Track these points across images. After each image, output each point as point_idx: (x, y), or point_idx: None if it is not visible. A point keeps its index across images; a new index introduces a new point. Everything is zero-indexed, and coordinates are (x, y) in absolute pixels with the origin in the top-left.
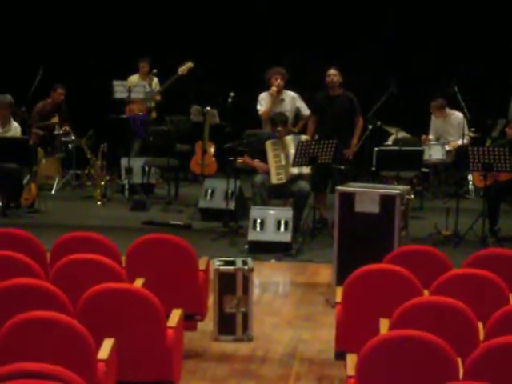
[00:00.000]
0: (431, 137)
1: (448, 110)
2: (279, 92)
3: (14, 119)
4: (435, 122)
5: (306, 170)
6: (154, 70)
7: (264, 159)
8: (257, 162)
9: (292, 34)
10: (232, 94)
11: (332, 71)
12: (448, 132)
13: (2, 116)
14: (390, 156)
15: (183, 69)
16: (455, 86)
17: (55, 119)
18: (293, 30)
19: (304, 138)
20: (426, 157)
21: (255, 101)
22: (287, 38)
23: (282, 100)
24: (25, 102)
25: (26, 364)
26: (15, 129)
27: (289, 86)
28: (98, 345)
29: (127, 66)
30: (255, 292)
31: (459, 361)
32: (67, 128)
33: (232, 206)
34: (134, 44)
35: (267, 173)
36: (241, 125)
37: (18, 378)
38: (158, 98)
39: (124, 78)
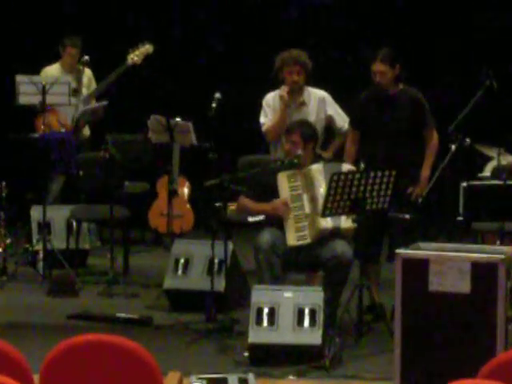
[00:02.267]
0: None
1: None
2: (298, 92)
3: None
4: None
5: (345, 222)
6: (86, 57)
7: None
8: (266, 205)
9: None
10: (218, 95)
11: (377, 67)
12: None
13: None
14: (488, 196)
15: (136, 54)
16: None
17: None
18: None
19: (345, 167)
20: None
21: (256, 107)
22: None
23: (303, 104)
24: None
25: None
26: None
27: (313, 81)
28: None
29: (42, 50)
30: None
31: None
32: None
33: (221, 285)
34: (56, 17)
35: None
36: (234, 147)
37: None
38: (93, 103)
39: (36, 70)
